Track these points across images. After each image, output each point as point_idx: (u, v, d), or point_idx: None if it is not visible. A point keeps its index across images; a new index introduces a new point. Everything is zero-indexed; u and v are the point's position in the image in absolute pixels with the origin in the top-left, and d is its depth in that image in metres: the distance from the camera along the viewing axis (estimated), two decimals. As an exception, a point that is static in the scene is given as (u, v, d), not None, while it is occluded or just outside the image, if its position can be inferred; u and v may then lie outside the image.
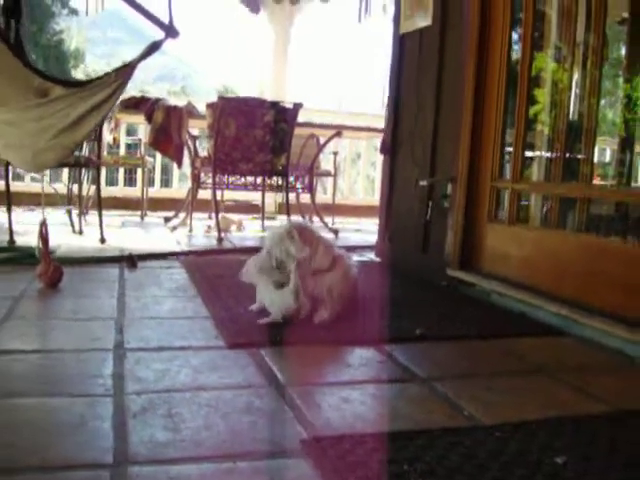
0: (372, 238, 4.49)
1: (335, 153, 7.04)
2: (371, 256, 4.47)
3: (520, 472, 1.37)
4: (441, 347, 2.33)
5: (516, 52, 3.26)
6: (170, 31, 3.25)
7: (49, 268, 3.01)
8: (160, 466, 1.34)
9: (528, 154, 4.01)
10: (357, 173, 9.47)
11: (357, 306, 2.71)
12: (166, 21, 3.28)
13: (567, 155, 3.04)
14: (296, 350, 2.21)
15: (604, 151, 7.75)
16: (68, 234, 4.79)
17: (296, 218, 6.14)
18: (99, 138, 4.66)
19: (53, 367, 1.91)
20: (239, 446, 1.45)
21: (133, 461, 1.35)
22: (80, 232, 4.86)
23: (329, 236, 4.23)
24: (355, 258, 4.42)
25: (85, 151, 4.87)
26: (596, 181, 5.83)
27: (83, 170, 5.14)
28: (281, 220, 6.10)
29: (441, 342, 2.38)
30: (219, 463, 1.37)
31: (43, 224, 3.07)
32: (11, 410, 1.59)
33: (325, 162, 7.47)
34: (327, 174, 7.04)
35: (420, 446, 1.46)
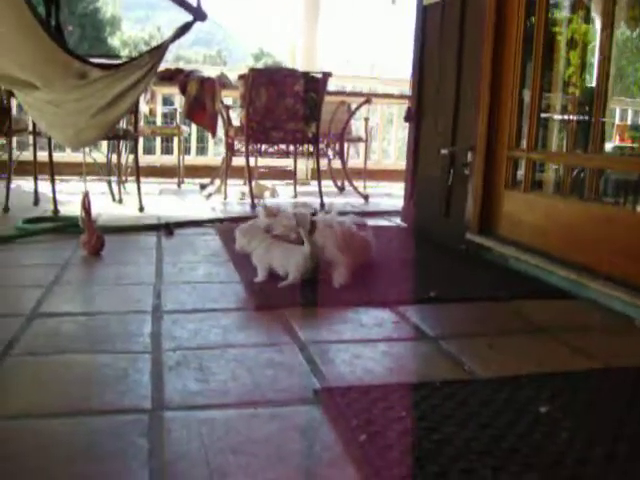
0: (401, 203, 4.65)
1: (366, 119, 7.16)
2: (397, 221, 4.64)
3: (506, 418, 1.55)
4: (453, 308, 2.51)
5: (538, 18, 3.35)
6: (198, 14, 3.42)
7: (92, 237, 3.25)
8: (191, 411, 1.56)
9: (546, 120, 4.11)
10: (386, 140, 9.57)
11: (376, 269, 2.90)
12: (194, 3, 3.44)
13: (584, 121, 3.14)
14: (316, 311, 2.41)
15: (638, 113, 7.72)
16: (108, 203, 5.03)
17: (328, 183, 6.32)
18: (136, 110, 4.86)
19: (98, 327, 2.14)
20: (260, 395, 1.65)
21: (168, 407, 1.57)
22: (120, 201, 5.10)
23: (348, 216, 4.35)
24: (382, 223, 4.60)
25: (123, 123, 5.08)
26: (628, 143, 5.87)
27: (121, 141, 5.36)
28: (314, 185, 6.26)
29: (454, 304, 2.56)
30: (242, 409, 1.58)
31: (85, 195, 3.30)
32: (64, 365, 1.82)
33: (357, 128, 7.60)
34: (358, 140, 7.17)
35: (420, 396, 1.65)
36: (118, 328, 2.13)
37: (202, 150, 8.40)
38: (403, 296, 2.59)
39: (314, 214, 3.01)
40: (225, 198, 5.66)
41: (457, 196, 3.80)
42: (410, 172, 4.43)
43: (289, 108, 5.39)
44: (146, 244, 3.59)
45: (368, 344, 2.06)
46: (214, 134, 5.87)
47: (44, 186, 4.80)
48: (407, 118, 4.46)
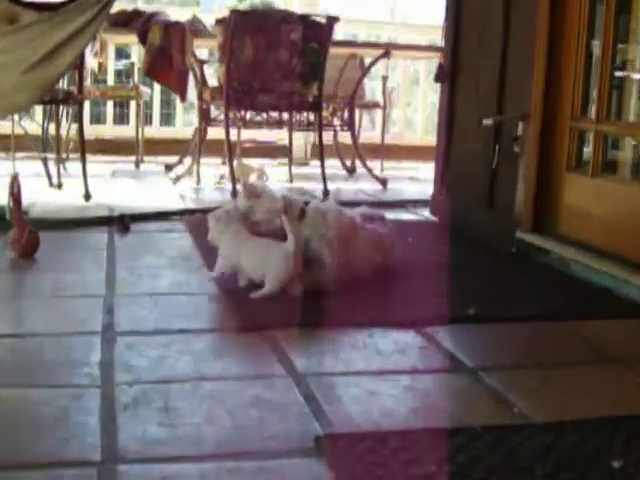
0: (430, 190, 4.66)
1: (385, 78, 7.15)
2: (425, 213, 4.65)
3: (567, 476, 1.56)
4: (497, 330, 2.52)
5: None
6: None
7: (23, 234, 3.25)
8: (153, 464, 1.57)
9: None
10: (410, 106, 9.58)
11: (397, 278, 2.91)
12: None
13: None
14: (318, 333, 2.43)
15: None
16: (44, 189, 5.01)
17: (333, 163, 6.33)
18: (81, 65, 4.85)
19: (31, 354, 2.15)
20: (245, 444, 1.66)
21: (122, 459, 1.58)
22: (59, 186, 5.08)
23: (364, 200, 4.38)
24: (405, 216, 4.61)
25: (64, 83, 5.08)
26: None
27: (61, 106, 5.36)
28: (315, 166, 6.28)
29: (498, 324, 2.57)
30: (221, 462, 1.59)
31: (14, 179, 3.29)
32: (-14, 402, 1.84)
33: (372, 91, 7.59)
34: (374, 106, 7.18)
35: (455, 446, 1.66)
36: (57, 354, 2.14)
37: (168, 119, 8.41)
38: (432, 313, 2.60)
39: (307, 203, 3.02)
40: (198, 182, 5.67)
41: (504, 181, 3.80)
42: (442, 149, 4.44)
43: (283, 63, 5.39)
44: (94, 243, 3.60)
45: (387, 377, 2.07)
46: (183, 97, 5.88)
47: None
48: (438, 77, 4.47)
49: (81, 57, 4.69)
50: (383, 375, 2.08)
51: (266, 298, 2.64)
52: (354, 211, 3.12)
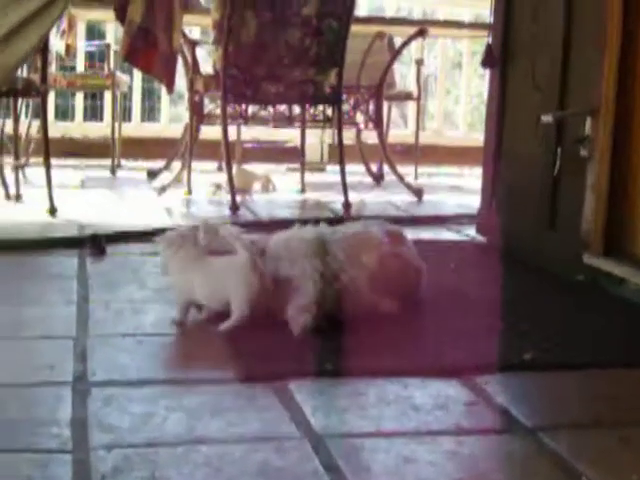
0: (476, 203, 4.64)
1: (419, 62, 7.17)
2: (471, 232, 4.65)
3: None
4: (562, 379, 2.51)
5: None
6: None
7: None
8: None
9: None
10: (451, 96, 9.59)
11: (435, 313, 2.91)
12: None
13: None
14: (339, 383, 2.43)
15: None
16: (-1, 200, 5.08)
17: (356, 168, 6.33)
18: (45, 48, 4.87)
19: (-14, 409, 2.16)
20: (249, 524, 1.68)
21: (101, 543, 1.59)
22: (17, 197, 5.11)
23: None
24: (446, 235, 4.61)
25: (23, 70, 5.10)
26: None
27: (20, 99, 5.38)
28: (333, 173, 6.28)
29: (563, 372, 2.56)
30: None
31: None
32: None
33: (404, 78, 7.61)
34: (406, 98, 7.19)
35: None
36: (17, 411, 2.13)
37: (151, 114, 8.45)
38: (481, 359, 2.60)
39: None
40: (189, 193, 5.68)
41: (568, 192, 3.80)
42: (492, 151, 4.44)
43: (294, 45, 5.40)
44: (61, 270, 3.61)
45: (425, 439, 2.06)
46: (171, 88, 5.89)
47: None
48: (486, 62, 4.48)
49: (45, 39, 4.72)
50: (420, 437, 2.08)
51: (279, 342, 2.66)
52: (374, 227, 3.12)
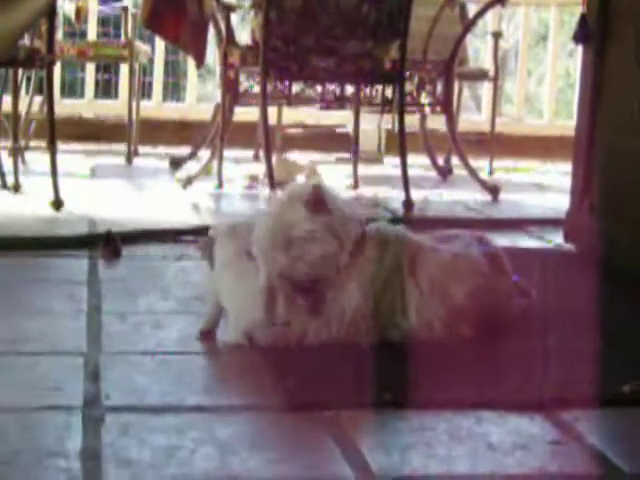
0: (564, 204, 4.62)
1: (497, 35, 7.16)
2: (558, 239, 4.62)
3: None
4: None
5: None
6: None
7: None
8: None
9: None
10: (534, 76, 9.54)
11: (514, 335, 2.90)
12: None
13: None
14: (401, 416, 2.40)
15: None
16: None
17: (420, 160, 6.32)
18: (52, 12, 4.88)
19: (-19, 437, 2.15)
20: None
21: None
22: (15, 187, 5.15)
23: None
24: (526, 242, 4.59)
25: (26, 38, 5.12)
26: None
27: (21, 70, 5.41)
28: (392, 165, 6.27)
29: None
30: None
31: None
32: None
33: (478, 54, 7.60)
34: (481, 76, 7.18)
35: None
36: (19, 440, 2.09)
37: (175, 91, 8.48)
38: (570, 390, 2.56)
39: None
40: (219, 186, 5.70)
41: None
42: (584, 144, 4.41)
43: (348, 12, 5.40)
44: (68, 275, 3.61)
45: (504, 486, 2.04)
46: (200, 61, 5.91)
47: None
48: (579, 37, 4.45)
49: (52, 2, 4.69)
50: (498, 484, 2.06)
51: (332, 364, 2.64)
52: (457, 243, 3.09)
